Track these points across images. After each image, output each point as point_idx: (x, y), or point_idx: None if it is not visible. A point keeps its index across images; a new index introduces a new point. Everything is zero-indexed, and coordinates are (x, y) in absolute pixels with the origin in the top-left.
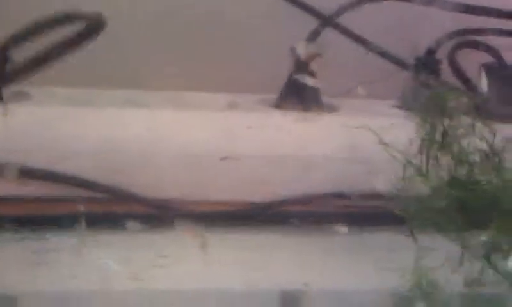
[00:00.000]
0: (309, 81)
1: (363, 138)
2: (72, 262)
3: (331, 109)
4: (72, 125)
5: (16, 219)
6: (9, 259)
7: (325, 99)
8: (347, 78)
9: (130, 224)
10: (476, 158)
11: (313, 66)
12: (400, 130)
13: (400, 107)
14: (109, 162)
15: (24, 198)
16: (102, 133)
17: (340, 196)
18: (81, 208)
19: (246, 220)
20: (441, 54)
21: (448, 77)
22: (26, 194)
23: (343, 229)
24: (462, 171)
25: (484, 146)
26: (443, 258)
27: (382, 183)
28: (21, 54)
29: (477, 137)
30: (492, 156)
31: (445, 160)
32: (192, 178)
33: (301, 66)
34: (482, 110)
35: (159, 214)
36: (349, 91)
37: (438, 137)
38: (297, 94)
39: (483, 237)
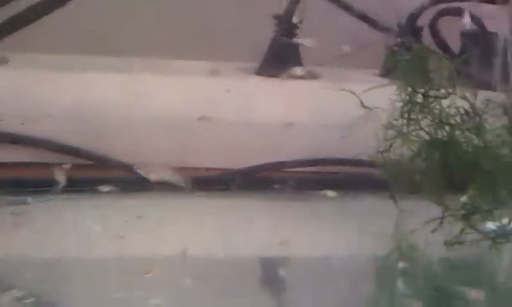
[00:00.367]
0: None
1: (343, 104)
2: (52, 223)
3: (313, 76)
4: (49, 89)
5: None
6: None
7: (307, 66)
8: (330, 44)
9: (106, 187)
10: (457, 119)
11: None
12: (382, 95)
13: (382, 75)
14: (87, 126)
15: (4, 163)
16: (80, 97)
17: (321, 161)
18: (60, 172)
19: (226, 185)
20: (423, 21)
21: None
22: (6, 159)
23: (329, 193)
24: (443, 133)
25: (465, 107)
26: (423, 222)
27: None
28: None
29: (459, 97)
30: (473, 116)
31: (426, 123)
32: (171, 142)
33: (287, 28)
34: (462, 76)
35: (136, 178)
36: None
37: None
38: (279, 61)
39: (463, 198)
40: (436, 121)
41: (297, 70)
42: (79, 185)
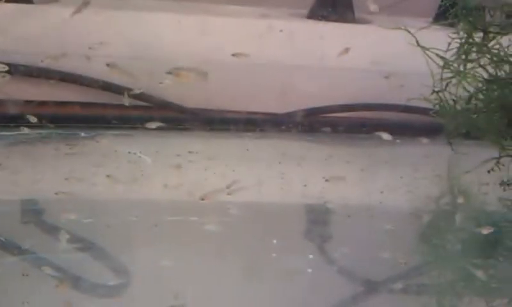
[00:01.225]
0: None
1: (398, 51)
2: (104, 154)
3: (364, 21)
4: (101, 28)
5: (54, 118)
6: (48, 151)
7: (357, 13)
8: None
9: (154, 124)
10: None
11: None
12: (438, 36)
13: (435, 21)
14: (140, 65)
15: (61, 101)
16: (129, 36)
17: (374, 106)
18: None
19: (277, 127)
20: None
21: None
22: (63, 97)
23: (385, 135)
24: (501, 72)
25: None
26: (478, 164)
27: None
28: None
29: None
30: None
31: (484, 61)
32: (223, 83)
33: None
34: None
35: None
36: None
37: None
38: (330, 4)
39: None
40: (495, 59)
41: (372, 5)
42: (130, 123)
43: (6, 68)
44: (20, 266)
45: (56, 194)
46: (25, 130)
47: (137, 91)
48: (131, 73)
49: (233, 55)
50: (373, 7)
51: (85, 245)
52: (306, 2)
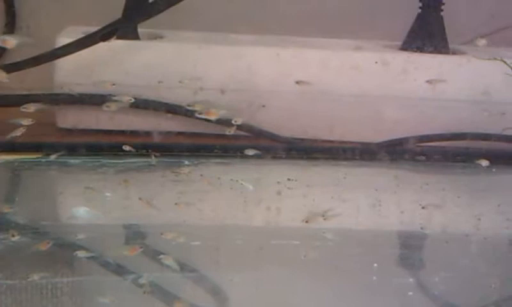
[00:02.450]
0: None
1: (493, 80)
2: (208, 181)
3: (459, 52)
4: (202, 61)
5: (159, 147)
6: (156, 178)
7: (450, 45)
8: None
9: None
10: None
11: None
12: None
13: None
14: (238, 96)
15: (166, 131)
16: (233, 69)
17: (469, 135)
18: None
19: (375, 156)
20: None
21: None
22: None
23: (483, 162)
24: None
25: None
26: None
27: None
28: None
29: None
30: None
31: None
32: (320, 114)
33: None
34: None
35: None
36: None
37: None
38: (425, 37)
39: None
40: None
41: (480, 41)
42: (231, 152)
43: (133, 100)
44: (128, 288)
45: (163, 218)
46: (133, 159)
47: (238, 122)
48: (232, 105)
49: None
50: (481, 42)
51: (191, 267)
52: (398, 34)
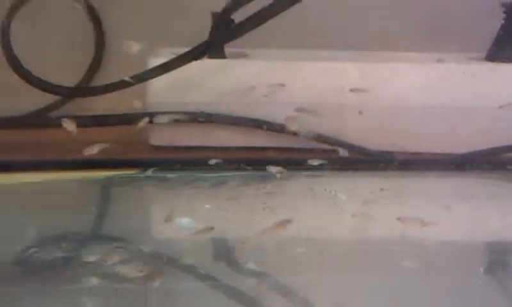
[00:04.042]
0: None
1: None
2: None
3: None
4: (284, 77)
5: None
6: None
7: None
8: None
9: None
10: None
11: None
12: None
13: None
14: (324, 112)
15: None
16: (314, 86)
17: None
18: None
19: (461, 167)
20: None
21: None
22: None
23: None
24: None
25: None
26: None
27: None
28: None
29: None
30: None
31: None
32: (403, 127)
33: None
34: None
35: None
36: None
37: None
38: (508, 48)
39: None
40: None
41: None
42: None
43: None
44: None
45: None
46: (226, 173)
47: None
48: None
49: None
50: None
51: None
52: (480, 46)
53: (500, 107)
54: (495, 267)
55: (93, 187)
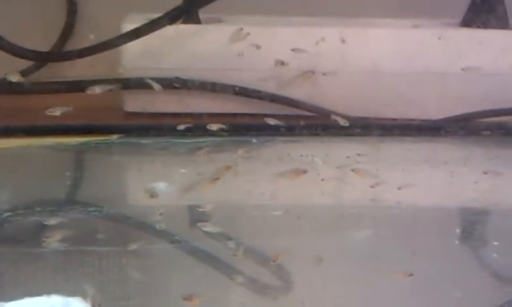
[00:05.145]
0: None
1: None
2: (279, 157)
3: None
4: (259, 43)
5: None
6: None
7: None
8: None
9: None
10: None
11: None
12: None
13: None
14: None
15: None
16: (290, 52)
17: None
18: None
19: (436, 132)
20: None
21: None
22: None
23: None
24: None
25: None
26: None
27: None
28: None
29: None
30: None
31: None
32: (380, 93)
33: None
34: None
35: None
36: None
37: None
38: (484, 14)
39: None
40: None
41: None
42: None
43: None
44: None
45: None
46: (203, 138)
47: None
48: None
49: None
50: None
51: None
52: (456, 12)
53: (462, 69)
54: (467, 232)
55: (67, 153)
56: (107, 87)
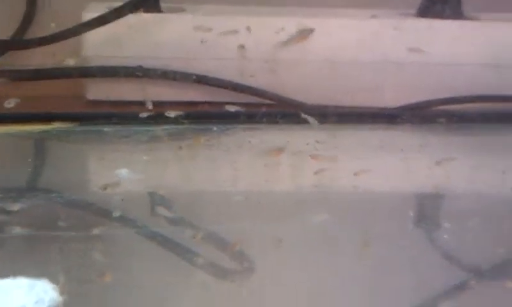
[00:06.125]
0: None
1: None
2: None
3: (473, 18)
4: (221, 32)
5: (188, 116)
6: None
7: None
8: None
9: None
10: None
11: None
12: None
13: None
14: (261, 66)
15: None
16: (251, 41)
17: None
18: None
19: (393, 120)
20: None
21: None
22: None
23: None
24: None
25: None
26: None
27: None
28: None
29: None
30: None
31: None
32: (338, 82)
33: None
34: None
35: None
36: None
37: None
38: (438, 4)
39: None
40: None
41: None
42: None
43: None
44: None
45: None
46: (164, 126)
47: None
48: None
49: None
50: None
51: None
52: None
53: (418, 59)
54: (421, 215)
55: (29, 140)
56: None
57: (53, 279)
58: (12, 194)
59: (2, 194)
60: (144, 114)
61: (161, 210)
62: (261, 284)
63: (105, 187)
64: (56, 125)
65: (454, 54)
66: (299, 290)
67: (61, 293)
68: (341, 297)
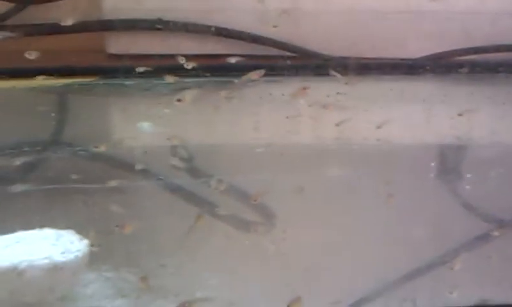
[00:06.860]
0: None
1: None
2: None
3: None
4: None
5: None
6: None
7: None
8: None
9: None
10: None
11: None
12: None
13: None
14: (280, 17)
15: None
16: None
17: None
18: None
19: (414, 71)
20: None
21: None
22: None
23: None
24: None
25: None
26: None
27: None
28: None
29: None
30: None
31: None
32: (359, 33)
33: None
34: None
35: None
36: None
37: None
38: None
39: None
40: None
41: None
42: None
43: None
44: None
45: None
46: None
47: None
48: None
49: None
50: None
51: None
52: None
53: (440, 8)
54: (444, 168)
55: (51, 95)
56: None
57: (79, 231)
58: (37, 148)
59: (26, 148)
60: (164, 67)
61: (183, 163)
62: (283, 236)
63: (127, 140)
64: (78, 79)
65: (477, 2)
66: (320, 241)
67: (89, 244)
68: (363, 247)
